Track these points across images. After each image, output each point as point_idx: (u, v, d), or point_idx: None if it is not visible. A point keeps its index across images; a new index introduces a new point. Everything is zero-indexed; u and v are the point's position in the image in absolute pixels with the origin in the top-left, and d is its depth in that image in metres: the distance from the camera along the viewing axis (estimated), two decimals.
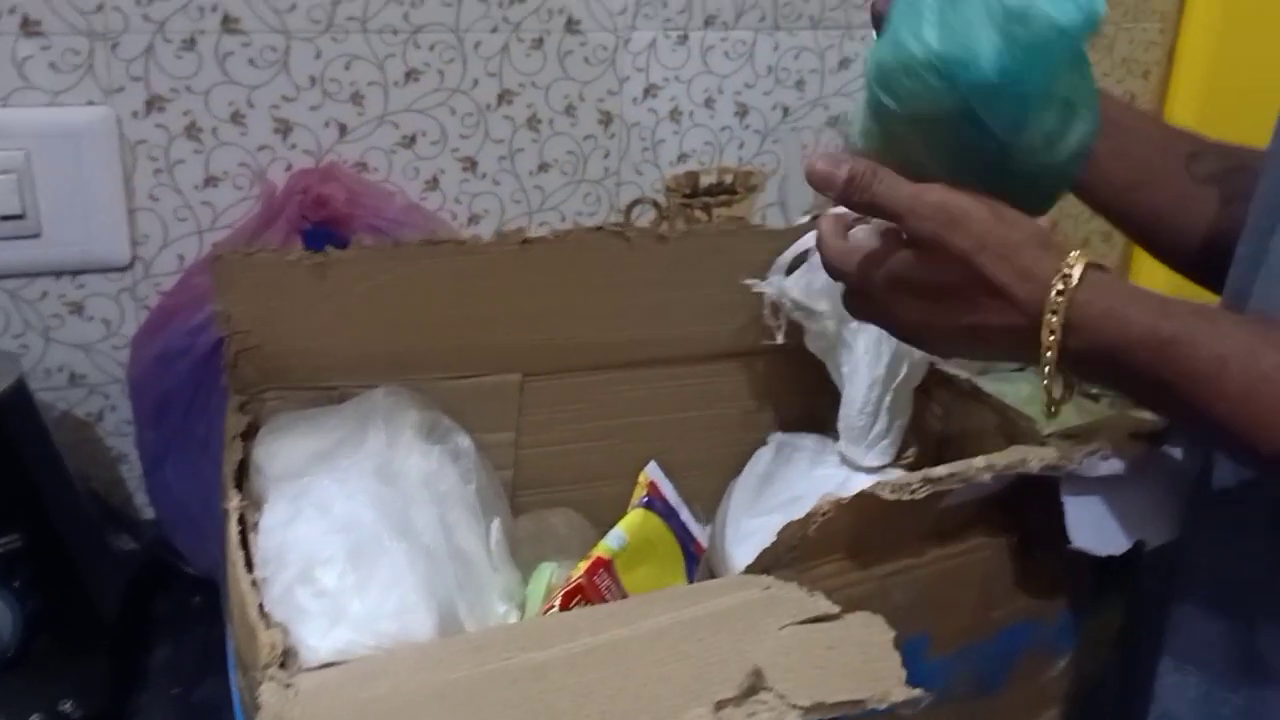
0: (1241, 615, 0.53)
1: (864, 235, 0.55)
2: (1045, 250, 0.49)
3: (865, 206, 0.53)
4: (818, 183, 0.53)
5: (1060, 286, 0.48)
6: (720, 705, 0.45)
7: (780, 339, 0.84)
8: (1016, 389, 1.06)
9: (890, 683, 0.47)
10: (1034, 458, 0.55)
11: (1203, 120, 1.18)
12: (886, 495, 0.52)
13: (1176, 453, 0.63)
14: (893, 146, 0.54)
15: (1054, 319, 0.48)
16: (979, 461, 0.54)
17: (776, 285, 0.82)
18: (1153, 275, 0.78)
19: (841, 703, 0.46)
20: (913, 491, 0.52)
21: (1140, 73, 1.19)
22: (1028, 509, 0.63)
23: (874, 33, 0.58)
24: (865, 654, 0.49)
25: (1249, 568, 0.53)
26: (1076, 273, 0.48)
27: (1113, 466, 0.56)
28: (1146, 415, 0.62)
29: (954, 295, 0.51)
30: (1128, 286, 0.50)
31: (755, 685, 0.46)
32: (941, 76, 0.49)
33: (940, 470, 0.53)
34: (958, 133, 0.51)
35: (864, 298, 0.55)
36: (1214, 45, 1.16)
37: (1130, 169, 0.65)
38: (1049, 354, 0.49)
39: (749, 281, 0.82)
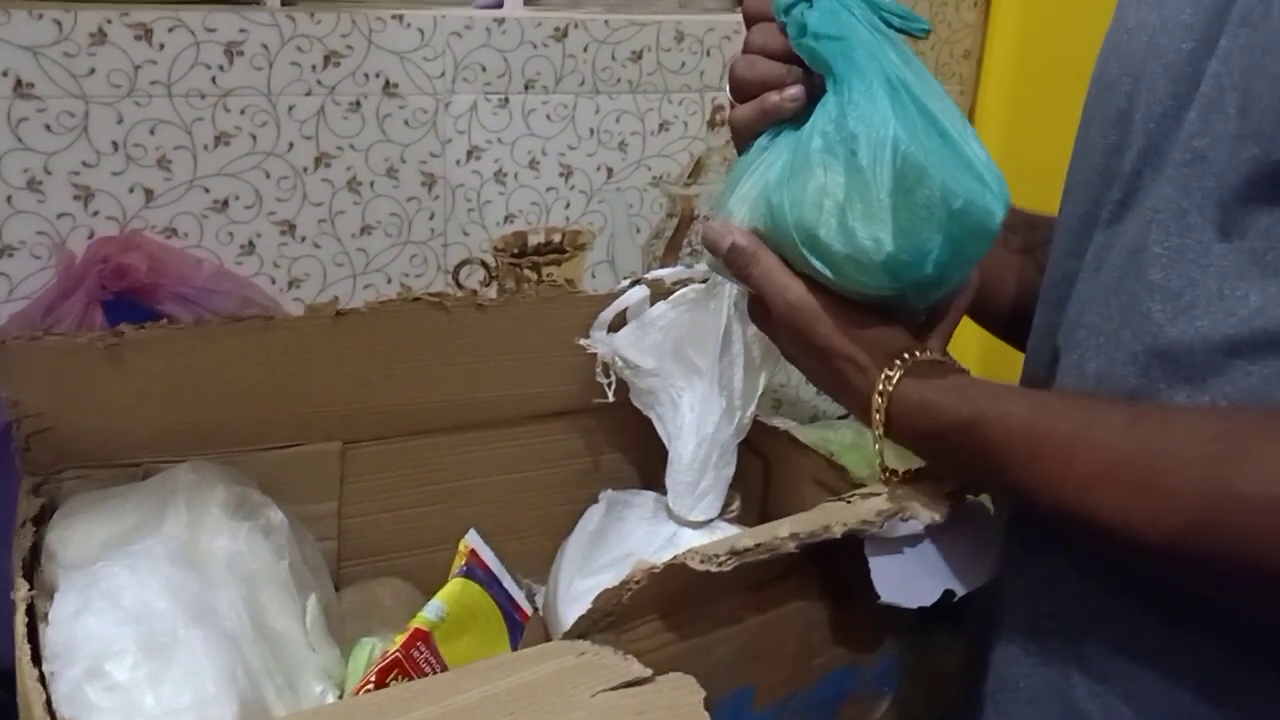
0: (1058, 667, 0.55)
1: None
2: (879, 352, 0.57)
3: (739, 279, 0.60)
4: (707, 244, 0.61)
5: (881, 387, 0.56)
6: None
7: (611, 396, 0.85)
8: (841, 436, 1.10)
9: None
10: (836, 523, 0.56)
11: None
12: (696, 566, 0.53)
13: (988, 503, 0.66)
14: (785, 258, 0.58)
15: (878, 415, 0.56)
16: (783, 530, 0.55)
17: (606, 343, 0.83)
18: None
19: None
20: (720, 564, 0.53)
21: None
22: (841, 557, 0.65)
23: (732, 145, 0.63)
24: (675, 716, 0.49)
25: (1060, 620, 0.56)
26: (898, 374, 0.56)
27: (913, 527, 0.58)
28: None
29: (814, 372, 0.61)
30: (941, 379, 0.56)
31: None
32: (889, 273, 0.54)
33: (746, 541, 0.54)
34: (868, 293, 0.56)
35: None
36: (1008, 105, 1.24)
37: None
38: (876, 445, 0.57)
39: (582, 341, 0.83)
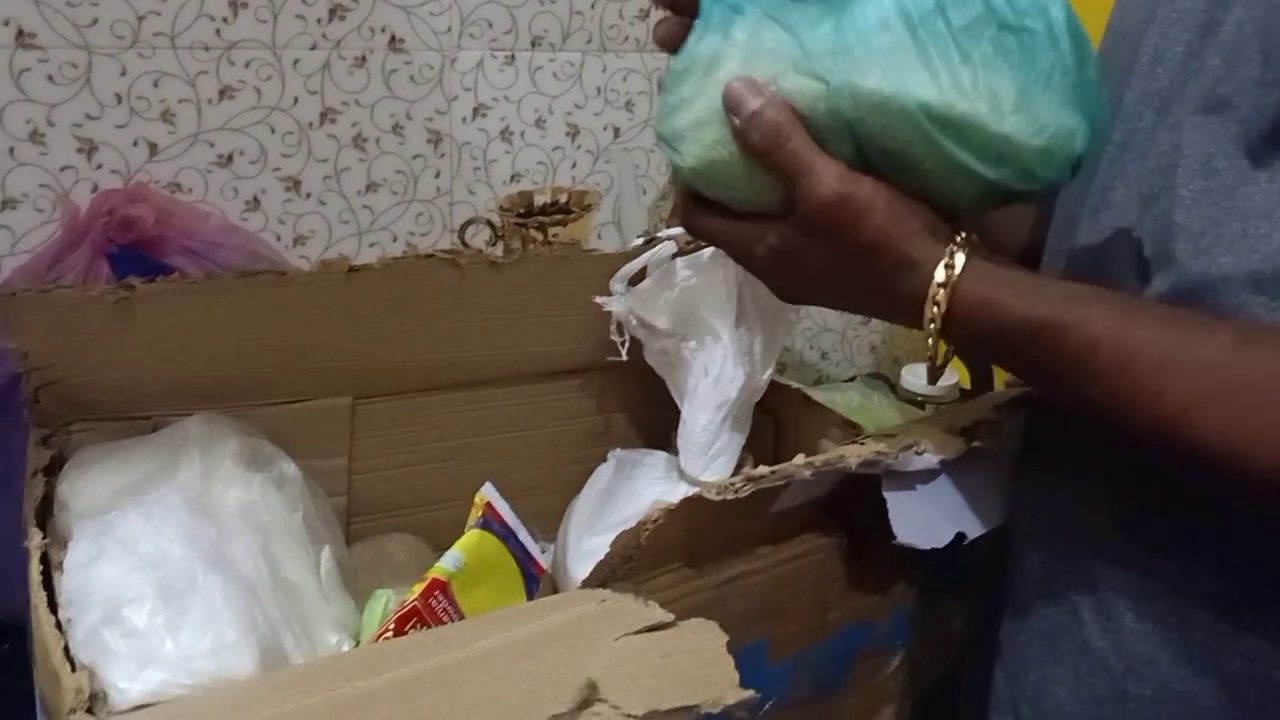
0: (1070, 608, 0.55)
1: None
2: (933, 240, 0.50)
3: (763, 152, 0.50)
4: (729, 101, 0.50)
5: (942, 277, 0.49)
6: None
7: (624, 356, 0.84)
8: (848, 398, 1.10)
9: (723, 686, 0.47)
10: (852, 455, 0.56)
11: None
12: (713, 497, 0.52)
13: (991, 447, 0.66)
14: (886, 151, 0.50)
15: (935, 310, 0.49)
16: (799, 459, 0.55)
17: (622, 301, 0.82)
18: None
19: (675, 709, 0.45)
20: (736, 491, 0.52)
21: None
22: (856, 512, 0.65)
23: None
24: (699, 659, 0.49)
25: (1071, 560, 0.55)
26: (960, 261, 0.49)
27: (927, 461, 0.58)
28: (963, 413, 0.64)
29: (845, 281, 0.52)
30: (1005, 272, 0.50)
31: (589, 698, 0.45)
32: (1073, 168, 0.50)
33: (762, 469, 0.54)
34: (1012, 189, 0.50)
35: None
36: None
37: None
38: (930, 340, 0.50)
39: (598, 299, 0.82)
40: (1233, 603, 0.49)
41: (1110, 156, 0.55)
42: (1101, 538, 0.54)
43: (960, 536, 0.60)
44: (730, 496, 0.52)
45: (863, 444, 0.58)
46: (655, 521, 0.52)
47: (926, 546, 0.59)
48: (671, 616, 0.51)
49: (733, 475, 0.83)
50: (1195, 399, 0.44)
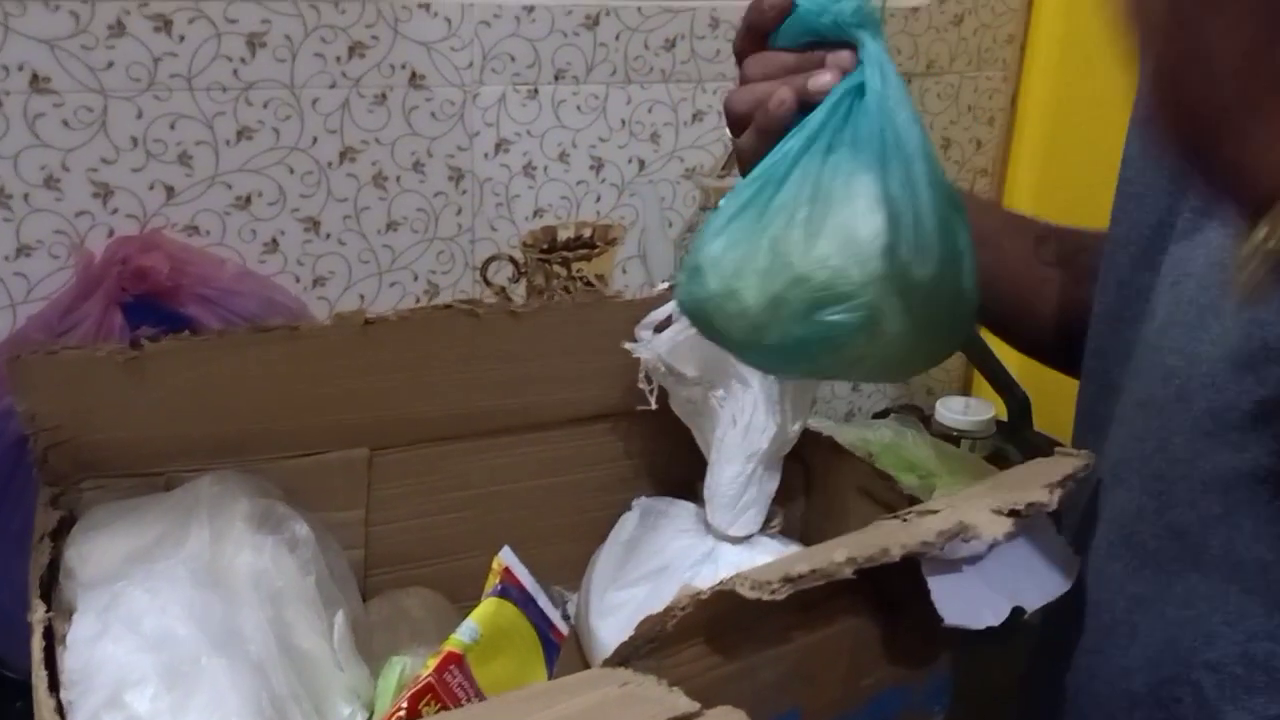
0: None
1: None
2: None
3: None
4: None
5: None
6: None
7: (653, 404, 0.82)
8: (880, 435, 1.07)
9: None
10: (895, 545, 0.53)
11: (1046, 163, 1.22)
12: (746, 592, 0.49)
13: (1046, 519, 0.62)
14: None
15: None
16: (839, 555, 0.52)
17: (650, 348, 0.79)
18: None
19: None
20: (773, 591, 0.49)
21: (985, 119, 1.22)
22: (891, 575, 0.62)
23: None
24: None
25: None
26: None
27: (975, 548, 0.55)
28: (1012, 489, 0.61)
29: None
30: None
31: None
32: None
33: (800, 567, 0.51)
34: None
35: None
36: (1053, 91, 1.20)
37: (988, 262, 0.57)
38: None
39: (627, 345, 0.80)
40: None
41: (1188, 224, 0.50)
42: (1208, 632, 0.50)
43: (1019, 610, 0.57)
44: (766, 597, 0.49)
45: (906, 520, 0.55)
46: (683, 609, 0.50)
47: (980, 625, 0.55)
48: (697, 706, 0.48)
49: (763, 529, 0.80)
50: None
